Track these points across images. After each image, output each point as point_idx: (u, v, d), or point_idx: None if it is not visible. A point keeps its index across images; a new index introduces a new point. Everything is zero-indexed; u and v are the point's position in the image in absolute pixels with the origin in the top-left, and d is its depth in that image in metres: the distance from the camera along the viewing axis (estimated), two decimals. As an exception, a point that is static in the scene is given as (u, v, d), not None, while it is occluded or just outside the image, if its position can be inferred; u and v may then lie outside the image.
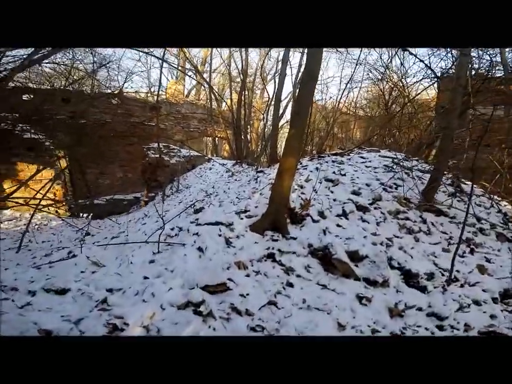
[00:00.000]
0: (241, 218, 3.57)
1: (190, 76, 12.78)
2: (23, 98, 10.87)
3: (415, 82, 7.70)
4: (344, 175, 4.13)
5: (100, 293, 2.51)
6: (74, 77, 11.35)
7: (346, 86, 8.29)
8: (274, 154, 6.04)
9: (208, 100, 13.09)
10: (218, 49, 15.26)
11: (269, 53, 16.74)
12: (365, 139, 10.48)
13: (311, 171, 4.38)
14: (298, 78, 8.10)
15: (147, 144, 10.72)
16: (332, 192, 3.83)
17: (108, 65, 11.57)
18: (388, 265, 2.89)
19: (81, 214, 10.38)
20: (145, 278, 2.71)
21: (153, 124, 12.68)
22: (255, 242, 3.15)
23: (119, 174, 13.09)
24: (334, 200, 3.73)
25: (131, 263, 3.04)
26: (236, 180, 5.77)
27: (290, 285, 2.67)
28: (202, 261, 2.91)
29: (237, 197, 4.30)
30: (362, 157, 4.75)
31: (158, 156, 8.06)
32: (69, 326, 1.96)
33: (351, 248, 2.96)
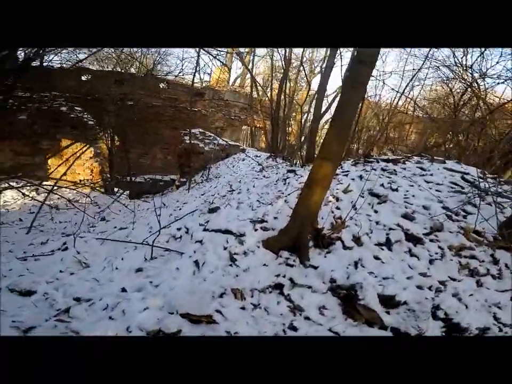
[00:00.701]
0: (256, 230, 2.93)
1: (223, 65, 12.16)
2: (82, 78, 11.44)
3: (495, 84, 6.27)
4: (396, 190, 3.21)
5: (66, 300, 2.15)
6: (125, 60, 11.51)
7: (409, 83, 7.05)
8: (311, 153, 5.16)
9: (250, 88, 12.45)
10: None
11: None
12: (428, 144, 9.10)
13: (353, 179, 3.53)
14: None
15: (186, 130, 10.66)
16: (376, 211, 2.99)
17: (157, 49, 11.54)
18: (431, 316, 2.06)
19: (116, 189, 10.70)
20: (123, 290, 2.25)
21: (196, 110, 12.60)
22: (264, 265, 2.52)
23: (159, 155, 13.38)
24: (377, 223, 2.87)
25: (116, 268, 2.59)
26: (264, 176, 5.10)
27: (293, 328, 1.99)
28: (195, 279, 2.36)
29: (258, 200, 3.65)
30: (421, 168, 3.71)
31: (192, 142, 7.73)
32: (16, 334, 1.71)
33: (386, 291, 2.17)
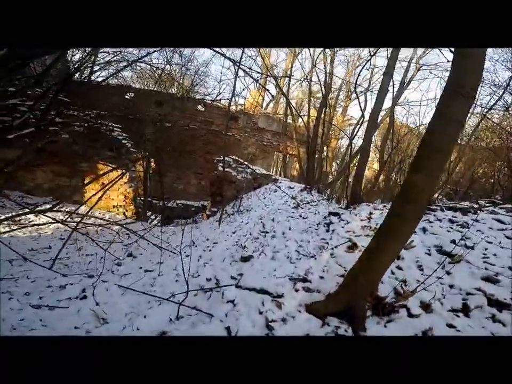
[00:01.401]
0: (296, 290, 2.49)
1: (262, 87, 12.16)
2: (126, 97, 11.92)
3: None
4: (472, 248, 2.61)
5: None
6: (164, 80, 11.85)
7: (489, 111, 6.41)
8: (357, 192, 4.56)
9: (284, 114, 12.29)
10: (300, 60, 14.47)
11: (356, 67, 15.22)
12: (475, 175, 8.19)
13: (415, 232, 2.98)
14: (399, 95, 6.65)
15: (220, 156, 10.66)
16: (449, 273, 2.41)
17: (195, 70, 11.83)
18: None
19: (148, 214, 10.76)
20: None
21: (230, 134, 12.66)
22: (307, 335, 2.04)
23: (193, 181, 13.51)
24: (451, 287, 2.32)
25: (137, 329, 2.25)
26: (300, 215, 4.63)
27: None
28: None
29: (296, 250, 3.20)
30: (498, 221, 3.04)
31: (225, 170, 7.56)
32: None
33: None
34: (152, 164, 12.46)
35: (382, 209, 3.67)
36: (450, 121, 1.81)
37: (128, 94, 12.23)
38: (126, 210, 10.11)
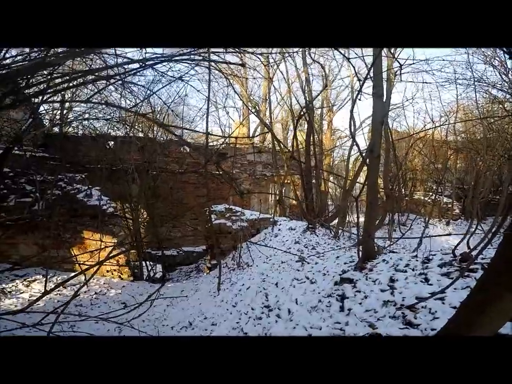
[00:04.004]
0: None
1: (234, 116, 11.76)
2: (106, 146, 11.34)
3: None
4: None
5: None
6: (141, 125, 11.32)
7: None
8: (370, 248, 3.58)
9: (272, 142, 11.82)
10: (275, 85, 14.24)
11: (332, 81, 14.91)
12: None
13: None
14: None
15: (214, 199, 10.04)
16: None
17: (170, 111, 11.29)
18: None
19: (147, 263, 9.96)
20: None
21: (221, 172, 12.09)
22: None
23: (189, 227, 12.82)
24: None
25: None
26: (307, 278, 3.91)
27: None
28: None
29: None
30: None
31: (219, 222, 6.97)
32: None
33: None
34: (144, 215, 11.91)
35: (406, 271, 2.96)
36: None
37: (107, 143, 11.67)
38: (121, 273, 9.53)
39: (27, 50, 2.86)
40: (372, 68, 4.01)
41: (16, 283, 7.47)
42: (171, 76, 3.66)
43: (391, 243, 6.01)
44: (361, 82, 3.08)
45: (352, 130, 3.85)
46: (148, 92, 5.09)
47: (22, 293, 6.85)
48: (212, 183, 11.64)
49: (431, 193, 12.64)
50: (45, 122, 6.82)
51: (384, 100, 4.03)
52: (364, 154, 3.79)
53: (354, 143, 3.88)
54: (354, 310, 2.74)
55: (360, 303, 2.79)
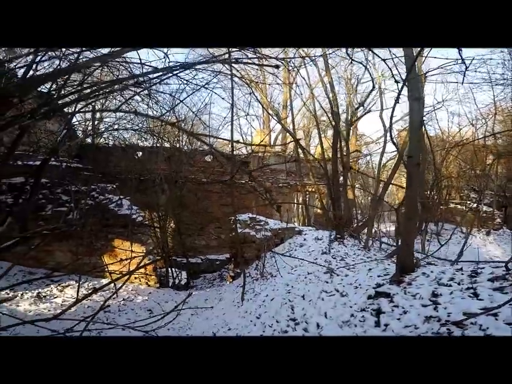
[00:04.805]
0: None
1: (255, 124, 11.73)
2: (135, 156, 11.76)
3: None
4: None
5: None
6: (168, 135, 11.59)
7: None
8: (409, 262, 3.25)
9: (294, 149, 11.64)
10: (298, 90, 14.10)
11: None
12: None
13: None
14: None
15: (238, 209, 10.01)
16: None
17: (197, 120, 11.49)
18: None
19: (172, 270, 10.05)
20: None
21: (243, 182, 12.13)
22: None
23: (213, 235, 12.90)
24: None
25: None
26: (337, 290, 3.68)
27: None
28: None
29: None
30: None
31: (243, 231, 6.90)
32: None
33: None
34: (170, 224, 12.11)
35: (451, 285, 2.67)
36: None
37: (136, 153, 12.07)
38: (149, 280, 9.72)
39: (57, 57, 2.99)
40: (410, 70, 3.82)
41: (51, 288, 7.82)
42: (195, 84, 3.67)
43: (428, 254, 5.58)
44: (399, 84, 2.86)
45: (393, 135, 3.59)
46: (174, 100, 5.21)
47: (55, 297, 7.26)
48: (235, 192, 11.64)
49: (468, 202, 11.80)
50: (78, 134, 7.24)
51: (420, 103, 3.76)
52: (405, 161, 3.51)
53: (396, 149, 3.64)
54: (391, 326, 2.50)
55: (399, 319, 2.54)
